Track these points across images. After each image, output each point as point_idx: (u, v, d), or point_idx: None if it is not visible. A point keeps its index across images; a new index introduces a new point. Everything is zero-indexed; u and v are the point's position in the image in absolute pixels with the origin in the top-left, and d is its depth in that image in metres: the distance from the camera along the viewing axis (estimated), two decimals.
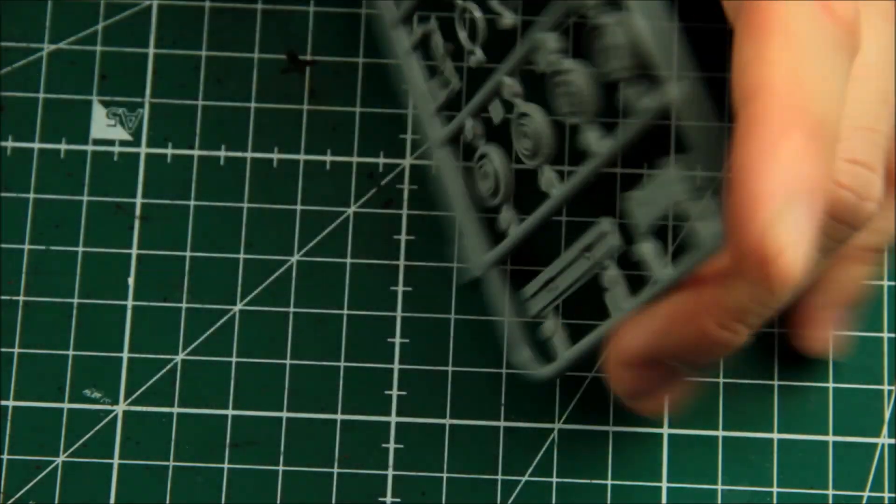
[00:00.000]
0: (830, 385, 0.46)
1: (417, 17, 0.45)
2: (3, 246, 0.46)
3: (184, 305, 0.46)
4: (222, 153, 0.47)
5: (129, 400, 0.46)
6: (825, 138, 0.32)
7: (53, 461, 0.45)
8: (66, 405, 0.46)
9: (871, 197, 0.35)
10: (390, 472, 0.45)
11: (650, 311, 0.38)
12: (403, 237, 0.46)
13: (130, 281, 0.46)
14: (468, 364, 0.46)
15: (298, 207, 0.47)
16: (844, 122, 0.34)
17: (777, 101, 0.32)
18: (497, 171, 0.42)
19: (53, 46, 0.48)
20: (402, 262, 0.46)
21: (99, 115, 0.47)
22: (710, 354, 0.38)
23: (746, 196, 0.32)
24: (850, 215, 0.35)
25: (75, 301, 0.46)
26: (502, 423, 0.45)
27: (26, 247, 0.46)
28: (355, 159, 0.47)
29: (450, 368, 0.46)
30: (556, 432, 0.45)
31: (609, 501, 0.45)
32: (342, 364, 0.46)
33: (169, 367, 0.46)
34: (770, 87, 0.32)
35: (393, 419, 0.45)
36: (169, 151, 0.47)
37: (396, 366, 0.46)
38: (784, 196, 0.31)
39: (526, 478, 0.45)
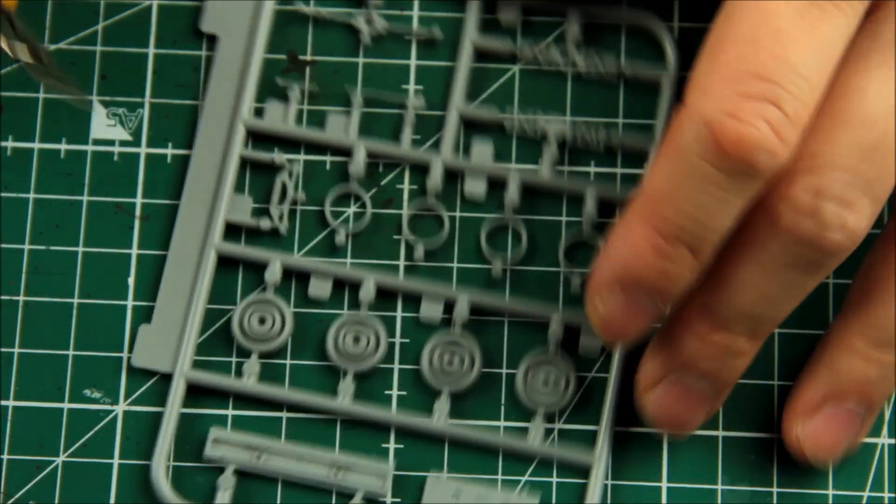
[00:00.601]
0: None
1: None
2: (3, 246, 0.46)
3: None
4: None
5: (129, 400, 0.46)
6: (679, 240, 0.39)
7: (53, 461, 0.45)
8: (66, 405, 0.45)
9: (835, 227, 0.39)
10: (390, 472, 0.45)
11: (618, 232, 0.41)
12: (403, 237, 0.46)
13: (130, 281, 0.46)
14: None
15: (300, 208, 0.47)
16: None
17: (641, 198, 0.40)
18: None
19: (53, 46, 0.48)
20: (401, 262, 0.46)
21: (99, 115, 0.47)
22: (658, 281, 0.40)
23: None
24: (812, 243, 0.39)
25: (75, 301, 0.46)
26: (502, 424, 0.45)
27: (26, 247, 0.46)
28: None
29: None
30: (555, 432, 0.45)
31: (609, 501, 0.45)
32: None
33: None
34: (645, 185, 0.40)
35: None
36: (169, 151, 0.47)
37: (396, 366, 0.46)
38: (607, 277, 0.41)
39: (526, 478, 0.45)
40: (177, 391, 0.45)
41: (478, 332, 0.46)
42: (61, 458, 0.45)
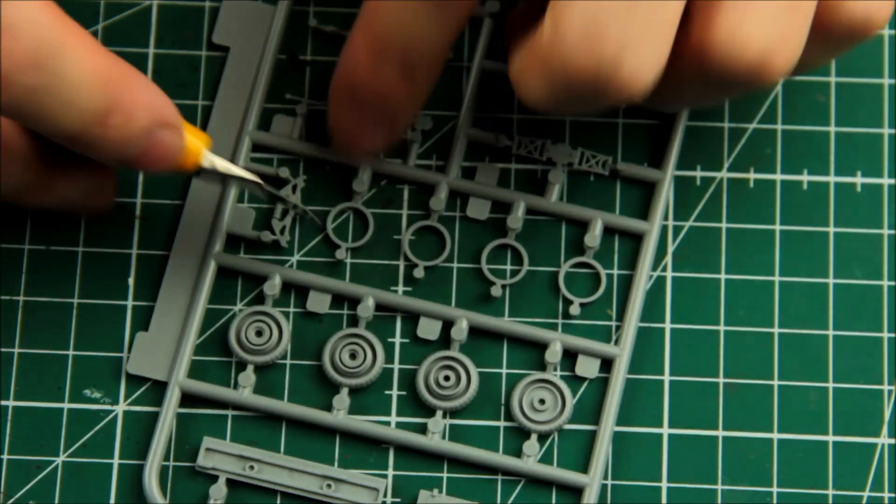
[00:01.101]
0: (830, 385, 0.46)
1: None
2: (3, 246, 0.46)
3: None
4: None
5: (129, 400, 0.46)
6: (387, 56, 0.42)
7: (53, 461, 0.45)
8: (66, 405, 0.45)
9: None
10: (390, 472, 0.45)
11: (346, 42, 0.43)
12: (403, 237, 0.46)
13: (130, 281, 0.46)
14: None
15: (302, 206, 0.47)
16: None
17: (362, 11, 0.42)
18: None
19: None
20: (401, 262, 0.46)
21: None
22: (369, 94, 0.43)
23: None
24: None
25: (75, 301, 0.46)
26: (502, 423, 0.45)
27: (26, 247, 0.46)
28: None
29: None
30: (555, 433, 0.45)
31: (609, 501, 0.45)
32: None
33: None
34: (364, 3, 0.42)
35: (393, 419, 0.45)
36: None
37: (396, 366, 0.46)
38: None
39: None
40: (171, 400, 0.45)
41: (475, 351, 0.45)
42: (61, 458, 0.45)
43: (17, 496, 0.45)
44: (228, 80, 0.47)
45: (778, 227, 0.47)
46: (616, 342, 0.45)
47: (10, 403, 0.45)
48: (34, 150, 0.42)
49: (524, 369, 0.46)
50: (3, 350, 0.46)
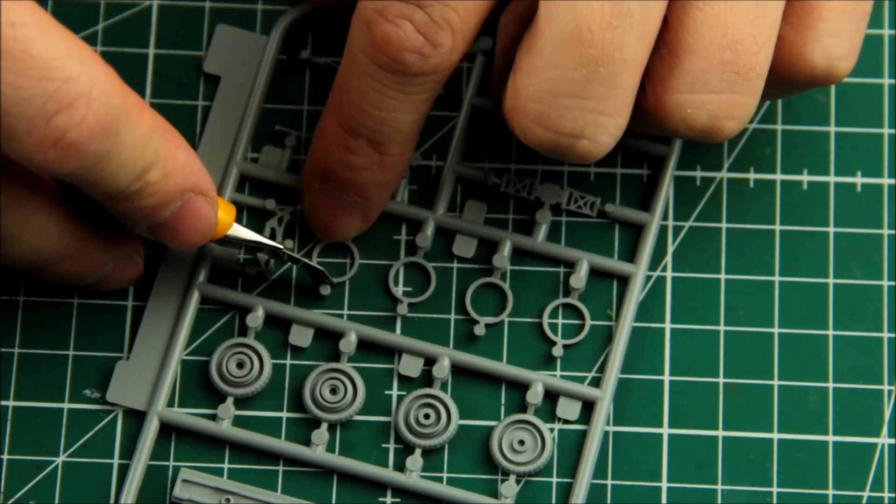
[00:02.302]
0: (830, 385, 0.46)
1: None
2: None
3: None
4: None
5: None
6: (358, 134, 0.42)
7: (53, 461, 0.45)
8: (66, 405, 0.45)
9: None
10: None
11: (317, 126, 0.44)
12: (403, 237, 0.46)
13: None
14: (461, 371, 0.46)
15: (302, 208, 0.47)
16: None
17: (331, 94, 0.43)
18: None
19: None
20: (401, 262, 0.46)
21: None
22: (344, 172, 0.43)
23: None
24: None
25: (75, 301, 0.46)
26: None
27: None
28: None
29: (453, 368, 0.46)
30: (556, 432, 0.45)
31: (609, 501, 0.45)
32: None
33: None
34: (335, 82, 0.43)
35: (393, 419, 0.45)
36: None
37: (396, 366, 0.46)
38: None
39: (528, 478, 0.45)
40: (149, 429, 0.44)
41: (456, 389, 0.45)
42: (61, 458, 0.45)
43: (17, 496, 0.45)
44: (218, 110, 0.47)
45: (778, 227, 0.47)
46: (598, 384, 0.45)
47: (10, 403, 0.45)
48: (69, 219, 0.41)
49: (506, 409, 0.45)
50: (3, 350, 0.46)
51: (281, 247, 0.44)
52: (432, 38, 0.40)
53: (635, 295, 0.45)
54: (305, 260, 0.45)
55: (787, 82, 0.42)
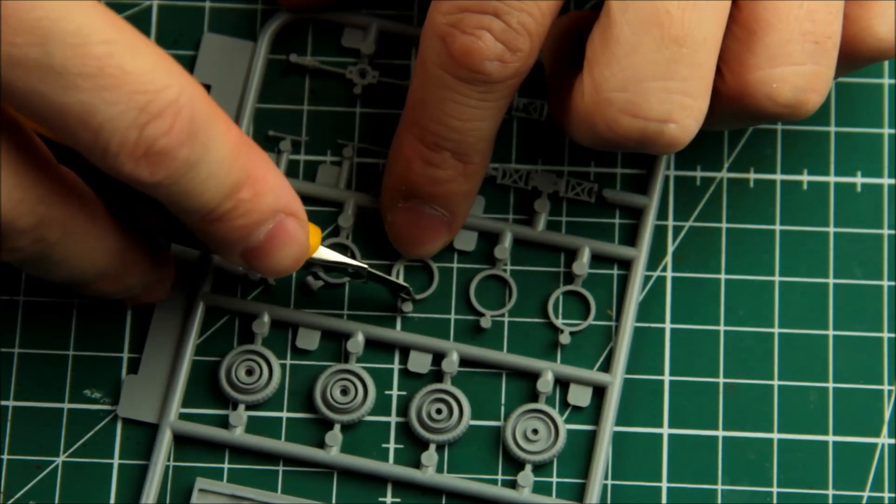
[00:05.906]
0: (830, 385, 0.46)
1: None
2: None
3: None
4: None
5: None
6: (440, 147, 0.43)
7: (53, 461, 0.45)
8: (66, 405, 0.45)
9: None
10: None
11: (393, 146, 0.44)
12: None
13: None
14: (469, 365, 0.46)
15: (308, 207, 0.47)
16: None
17: (405, 112, 0.43)
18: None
19: None
20: (402, 262, 0.46)
21: None
22: (429, 186, 0.44)
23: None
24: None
25: (75, 301, 0.46)
26: (502, 424, 0.45)
27: None
28: (355, 160, 0.47)
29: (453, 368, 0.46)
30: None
31: (609, 501, 0.45)
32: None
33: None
34: (407, 99, 0.43)
35: (393, 419, 0.45)
36: None
37: (396, 366, 0.46)
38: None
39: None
40: (163, 442, 0.45)
41: (466, 383, 0.45)
42: (61, 458, 0.45)
43: (17, 496, 0.45)
44: None
45: (778, 227, 0.47)
46: (607, 369, 0.45)
47: (10, 403, 0.45)
48: (117, 244, 0.41)
49: (517, 400, 0.45)
50: (3, 350, 0.46)
51: (366, 266, 0.44)
52: (512, 45, 0.40)
53: (638, 278, 0.46)
54: (390, 278, 0.45)
55: (853, 58, 0.42)
